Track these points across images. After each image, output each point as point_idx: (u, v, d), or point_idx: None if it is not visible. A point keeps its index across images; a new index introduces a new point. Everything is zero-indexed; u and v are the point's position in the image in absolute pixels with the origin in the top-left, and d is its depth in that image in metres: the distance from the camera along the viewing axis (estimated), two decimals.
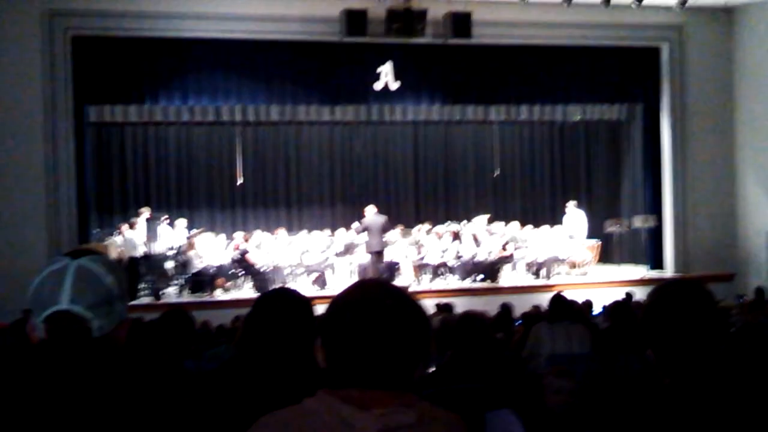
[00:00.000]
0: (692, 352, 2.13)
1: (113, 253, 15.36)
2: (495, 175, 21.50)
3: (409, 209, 21.41)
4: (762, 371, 2.19)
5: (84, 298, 1.98)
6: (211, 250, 16.84)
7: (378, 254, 16.55)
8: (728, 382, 2.10)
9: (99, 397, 1.93)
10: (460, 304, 13.05)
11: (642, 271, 18.16)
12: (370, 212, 16.82)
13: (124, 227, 16.58)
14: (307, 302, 2.99)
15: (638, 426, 2.08)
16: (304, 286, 15.94)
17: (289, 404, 1.85)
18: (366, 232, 16.67)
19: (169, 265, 16.57)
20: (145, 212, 16.81)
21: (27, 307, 2.06)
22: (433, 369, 5.18)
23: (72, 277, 1.99)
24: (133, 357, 4.84)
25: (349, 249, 17.35)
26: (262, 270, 16.38)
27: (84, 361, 1.97)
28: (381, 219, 16.68)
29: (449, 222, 19.20)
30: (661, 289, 2.27)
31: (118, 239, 16.34)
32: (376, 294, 1.87)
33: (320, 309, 2.99)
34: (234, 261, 16.66)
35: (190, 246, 16.38)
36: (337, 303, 1.89)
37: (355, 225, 17.52)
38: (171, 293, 16.32)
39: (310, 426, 1.77)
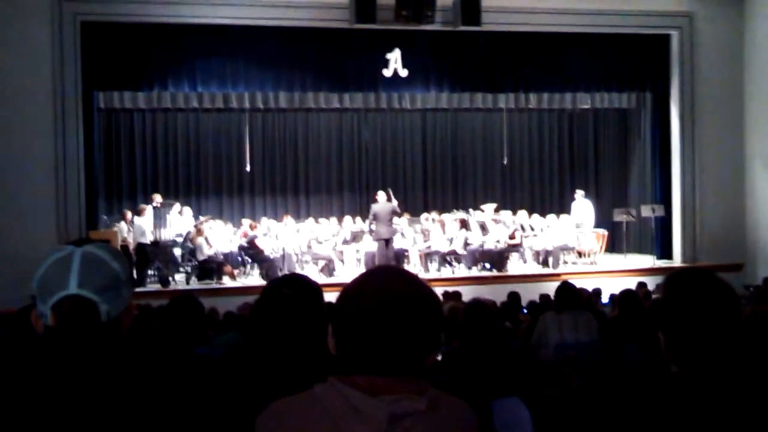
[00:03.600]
0: (705, 341, 2.13)
1: (120, 241, 15.40)
2: (503, 163, 21.46)
3: (417, 197, 21.42)
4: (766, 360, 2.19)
5: (92, 282, 1.99)
6: (219, 237, 16.87)
7: (386, 242, 16.50)
8: (737, 372, 2.10)
9: (110, 381, 1.93)
10: (467, 293, 13.05)
11: (650, 261, 18.14)
12: (381, 198, 16.77)
13: (132, 214, 16.64)
14: (317, 288, 2.99)
15: (645, 415, 2.08)
16: (312, 274, 15.93)
17: (299, 390, 1.86)
18: (374, 219, 16.61)
19: (177, 252, 16.60)
20: (158, 198, 16.81)
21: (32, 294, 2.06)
22: (441, 357, 5.19)
23: (78, 262, 2.00)
24: (142, 342, 4.85)
25: (356, 237, 17.36)
26: (269, 257, 16.40)
27: (94, 345, 1.97)
28: (390, 206, 16.62)
29: (456, 210, 19.19)
30: (681, 276, 2.27)
31: (124, 226, 16.39)
32: (389, 281, 1.87)
33: (327, 297, 3.00)
34: (242, 248, 16.69)
35: (198, 233, 16.40)
36: (350, 290, 1.89)
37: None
38: (179, 280, 16.36)
39: (319, 412, 1.78)
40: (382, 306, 1.81)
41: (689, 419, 2.03)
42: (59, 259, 2.01)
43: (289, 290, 2.90)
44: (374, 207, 16.67)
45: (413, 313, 1.83)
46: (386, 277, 1.89)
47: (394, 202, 16.80)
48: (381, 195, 16.91)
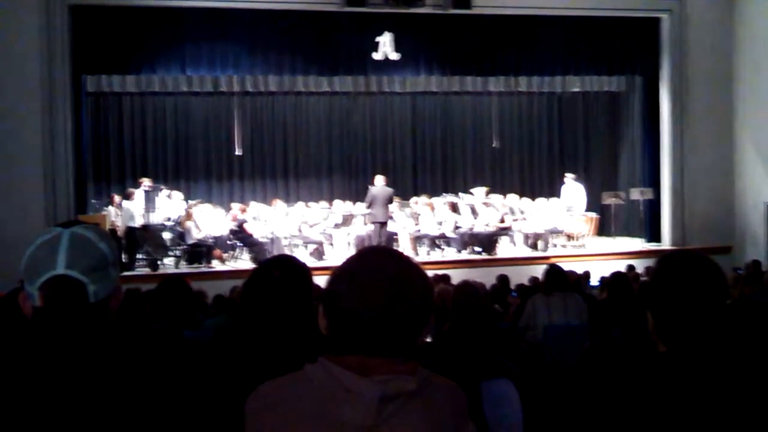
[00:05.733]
0: (693, 322, 2.14)
1: (108, 225, 15.37)
2: (493, 146, 21.46)
3: (407, 180, 21.43)
4: (757, 343, 2.21)
5: (80, 262, 1.98)
6: (209, 221, 16.83)
7: (381, 225, 16.46)
8: (724, 352, 2.11)
9: (99, 362, 1.93)
10: (457, 276, 13.06)
11: (639, 244, 18.20)
12: (379, 182, 16.72)
13: (121, 198, 16.62)
14: (306, 269, 2.99)
15: (633, 394, 2.09)
16: (302, 258, 15.86)
17: (289, 371, 1.86)
18: (371, 202, 16.55)
19: (167, 235, 16.57)
20: (145, 182, 16.78)
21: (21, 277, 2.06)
22: (430, 339, 5.20)
23: (66, 243, 1.99)
24: (131, 324, 4.84)
25: (346, 220, 17.36)
26: (259, 241, 16.39)
27: (81, 326, 1.97)
28: (387, 191, 16.60)
29: (446, 194, 19.21)
30: (671, 257, 2.28)
31: (113, 210, 16.36)
32: (381, 261, 1.87)
33: (317, 281, 3.00)
34: (231, 232, 16.67)
35: (188, 217, 16.38)
36: (342, 270, 1.89)
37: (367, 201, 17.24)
38: (168, 264, 16.33)
39: (310, 392, 1.78)
40: (375, 286, 1.81)
41: (677, 398, 2.04)
42: (47, 240, 2.00)
43: (279, 272, 2.90)
44: (372, 190, 16.61)
45: (405, 293, 1.83)
46: (378, 258, 1.89)
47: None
48: (378, 179, 16.85)
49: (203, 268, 15.88)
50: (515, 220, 18.02)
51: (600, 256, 16.97)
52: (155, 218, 16.31)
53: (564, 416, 4.10)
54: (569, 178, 19.54)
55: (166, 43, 16.48)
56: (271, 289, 2.87)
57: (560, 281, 8.13)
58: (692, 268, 2.20)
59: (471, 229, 17.41)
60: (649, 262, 15.27)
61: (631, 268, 13.89)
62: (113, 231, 15.46)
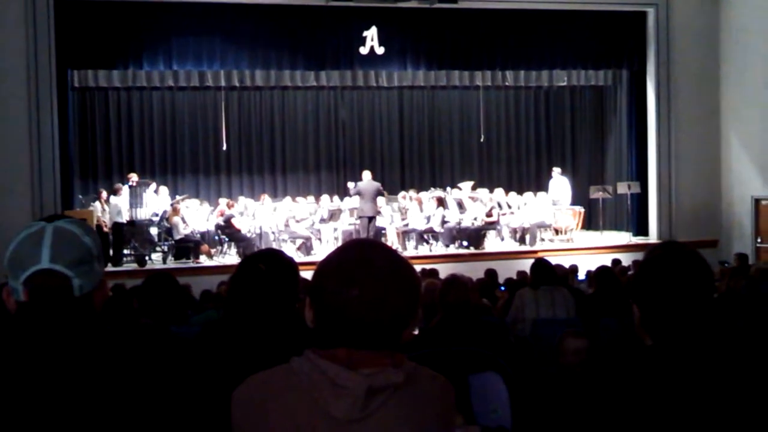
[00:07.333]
0: (680, 315, 2.14)
1: (95, 220, 15.32)
2: (480, 141, 21.48)
3: (394, 175, 21.40)
4: (742, 334, 2.21)
5: (64, 256, 1.97)
6: (196, 216, 16.81)
7: (369, 220, 16.46)
8: (710, 344, 2.12)
9: (84, 357, 1.92)
10: (445, 270, 13.07)
11: (626, 237, 18.25)
12: (366, 177, 16.72)
13: (108, 194, 16.55)
14: (292, 263, 2.99)
15: (620, 387, 2.09)
16: (289, 253, 15.87)
17: (277, 364, 1.86)
18: (358, 197, 16.56)
19: (154, 231, 16.52)
20: (133, 178, 16.72)
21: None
22: (418, 332, 5.20)
23: (50, 237, 1.98)
24: (117, 320, 4.82)
25: (334, 215, 17.34)
26: (246, 236, 16.36)
27: (67, 321, 1.96)
28: (375, 185, 16.60)
29: (433, 188, 19.21)
30: (659, 250, 2.28)
31: (99, 206, 16.31)
32: (367, 253, 1.86)
33: (305, 275, 3.00)
34: (218, 227, 16.64)
35: (175, 212, 16.33)
36: (328, 262, 1.88)
37: (351, 185, 17.29)
38: (155, 259, 16.28)
39: (297, 385, 1.78)
40: (361, 278, 1.81)
41: (664, 391, 2.05)
42: (31, 235, 1.99)
43: (265, 265, 2.90)
44: (360, 184, 16.61)
45: (392, 286, 1.82)
46: (365, 250, 1.88)
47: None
48: (366, 174, 16.86)
49: (191, 264, 15.84)
50: (502, 214, 18.04)
51: (587, 250, 17.03)
52: (142, 214, 16.26)
53: (551, 409, 4.11)
54: (556, 172, 19.59)
55: (153, 38, 16.43)
56: (257, 282, 2.87)
57: (547, 275, 8.14)
58: (678, 262, 2.20)
59: (458, 223, 17.42)
60: (637, 255, 15.32)
61: (616, 262, 13.94)
62: (99, 227, 15.41)
